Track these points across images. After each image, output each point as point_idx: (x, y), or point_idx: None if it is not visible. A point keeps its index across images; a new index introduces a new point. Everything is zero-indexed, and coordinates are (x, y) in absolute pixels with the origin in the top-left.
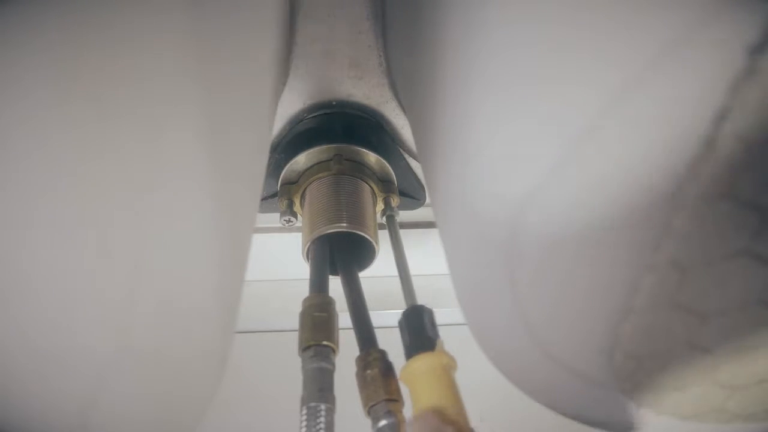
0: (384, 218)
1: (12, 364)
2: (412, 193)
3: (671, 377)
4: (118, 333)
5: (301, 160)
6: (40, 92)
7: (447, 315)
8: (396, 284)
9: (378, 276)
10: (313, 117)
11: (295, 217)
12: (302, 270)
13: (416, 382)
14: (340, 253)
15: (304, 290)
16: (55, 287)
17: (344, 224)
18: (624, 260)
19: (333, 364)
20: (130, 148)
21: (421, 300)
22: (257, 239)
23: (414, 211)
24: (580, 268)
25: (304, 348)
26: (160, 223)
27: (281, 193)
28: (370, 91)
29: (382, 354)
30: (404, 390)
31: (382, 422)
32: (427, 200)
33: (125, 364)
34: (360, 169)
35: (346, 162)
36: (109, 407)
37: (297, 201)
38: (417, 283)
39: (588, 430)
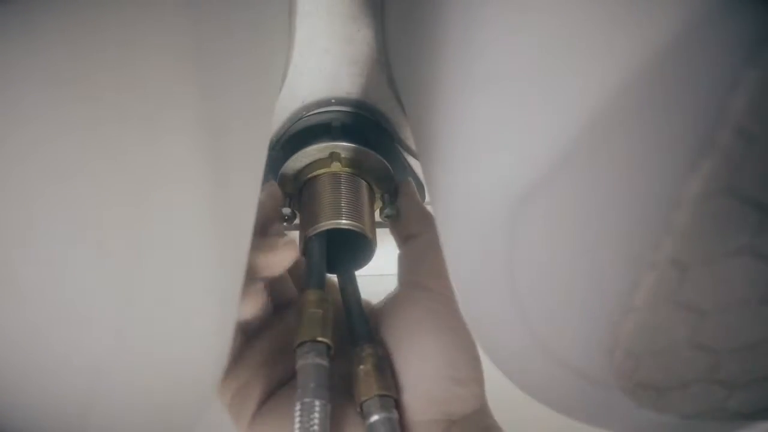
0: (382, 216)
1: (9, 365)
2: None
3: (672, 376)
4: (115, 333)
5: (300, 157)
6: (37, 94)
7: None
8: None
9: (376, 275)
10: (311, 114)
11: (294, 215)
12: None
13: None
14: (337, 250)
15: None
16: (52, 288)
17: (342, 221)
18: (624, 258)
19: (328, 361)
20: (127, 148)
21: None
22: None
23: None
24: (580, 266)
25: (298, 344)
26: (157, 223)
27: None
28: (369, 89)
29: (376, 349)
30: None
31: (374, 417)
32: (427, 198)
33: (123, 365)
34: (358, 166)
35: (344, 160)
36: (108, 408)
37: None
38: None
39: (588, 430)
